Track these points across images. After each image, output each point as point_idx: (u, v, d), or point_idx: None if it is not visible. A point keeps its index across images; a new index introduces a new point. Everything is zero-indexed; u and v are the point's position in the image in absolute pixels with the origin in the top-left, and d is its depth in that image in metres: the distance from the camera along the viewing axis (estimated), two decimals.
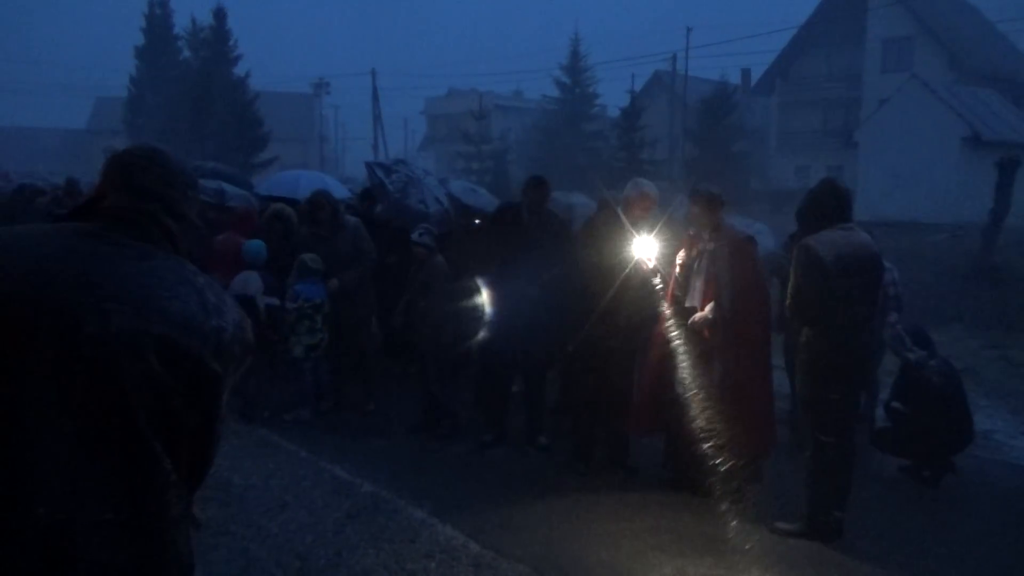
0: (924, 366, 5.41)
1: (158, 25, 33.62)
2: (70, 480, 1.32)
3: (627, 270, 5.15)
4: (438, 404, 6.30)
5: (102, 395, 1.35)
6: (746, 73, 44.01)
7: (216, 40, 32.19)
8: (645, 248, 5.10)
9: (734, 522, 4.65)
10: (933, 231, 19.23)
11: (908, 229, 18.83)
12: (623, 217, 5.29)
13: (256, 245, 6.53)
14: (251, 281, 6.29)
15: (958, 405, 5.39)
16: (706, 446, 4.92)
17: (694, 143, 34.03)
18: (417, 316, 6.34)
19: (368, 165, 8.05)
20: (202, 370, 1.46)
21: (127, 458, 1.37)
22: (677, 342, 4.99)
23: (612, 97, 37.60)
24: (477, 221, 6.77)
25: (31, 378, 1.33)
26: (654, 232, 5.20)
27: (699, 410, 4.91)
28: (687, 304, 5.02)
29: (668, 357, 5.04)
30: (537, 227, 5.83)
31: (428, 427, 6.27)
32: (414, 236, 6.45)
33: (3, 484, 1.31)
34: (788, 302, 4.37)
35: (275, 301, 6.31)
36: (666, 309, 5.09)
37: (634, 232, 5.13)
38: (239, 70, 32.06)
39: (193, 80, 30.36)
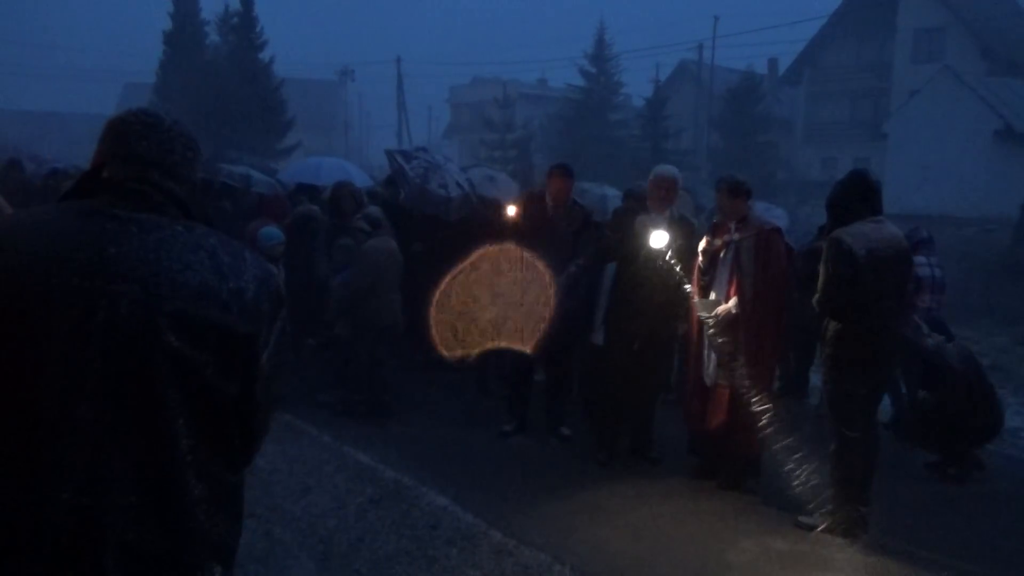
0: (943, 350, 5.37)
1: (186, 10, 33.70)
2: (93, 465, 1.32)
3: (653, 261, 5.11)
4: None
5: (120, 380, 1.35)
6: (773, 63, 43.46)
7: (243, 26, 32.24)
8: (669, 239, 5.06)
9: (757, 515, 4.64)
10: (962, 225, 18.93)
11: (937, 222, 18.50)
12: (649, 208, 5.26)
13: (271, 231, 6.25)
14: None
15: (980, 387, 5.34)
16: (731, 436, 4.92)
17: (720, 133, 33.74)
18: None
19: (388, 153, 8.01)
20: (230, 336, 1.43)
21: (149, 440, 1.36)
22: (706, 333, 4.97)
23: (637, 86, 37.51)
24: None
25: (49, 366, 1.32)
26: (677, 223, 5.17)
27: (724, 401, 4.90)
28: (712, 296, 4.98)
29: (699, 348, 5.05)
30: (560, 216, 5.80)
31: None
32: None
33: (26, 472, 1.32)
34: (816, 296, 4.31)
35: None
36: (692, 300, 5.06)
37: (659, 223, 5.09)
38: (264, 56, 32.15)
39: (220, 66, 30.49)
